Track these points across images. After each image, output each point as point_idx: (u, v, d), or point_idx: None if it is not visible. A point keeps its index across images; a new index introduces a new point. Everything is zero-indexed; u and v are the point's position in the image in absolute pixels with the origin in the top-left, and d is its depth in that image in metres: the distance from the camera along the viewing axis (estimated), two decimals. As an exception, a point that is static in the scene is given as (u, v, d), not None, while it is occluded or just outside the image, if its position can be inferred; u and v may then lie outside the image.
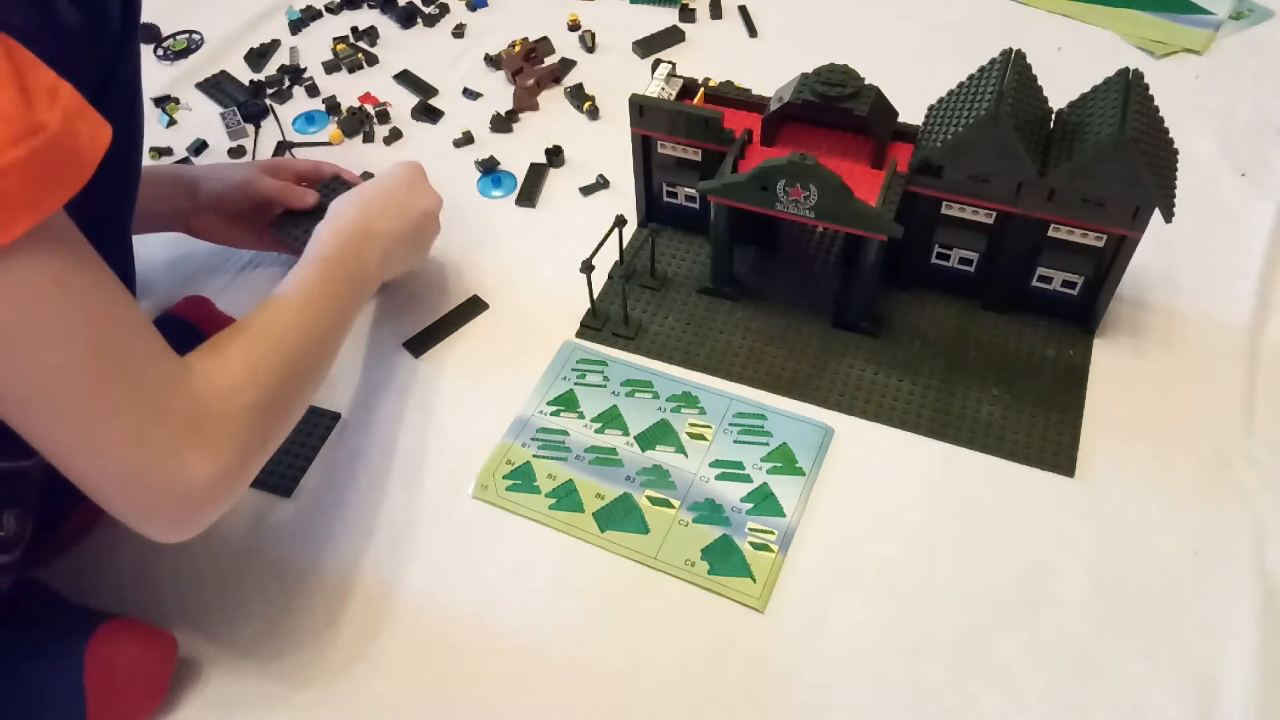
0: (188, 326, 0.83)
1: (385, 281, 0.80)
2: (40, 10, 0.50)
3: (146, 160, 1.00)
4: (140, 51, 0.63)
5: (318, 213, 0.86)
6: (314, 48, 1.20)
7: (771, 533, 0.73)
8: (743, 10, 1.22)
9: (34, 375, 0.49)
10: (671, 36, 1.18)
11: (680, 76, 0.88)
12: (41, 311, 0.48)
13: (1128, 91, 0.74)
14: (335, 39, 1.20)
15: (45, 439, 0.52)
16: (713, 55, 1.16)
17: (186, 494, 0.54)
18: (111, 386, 0.51)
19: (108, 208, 0.61)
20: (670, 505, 0.76)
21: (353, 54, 1.17)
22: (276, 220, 0.87)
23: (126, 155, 0.63)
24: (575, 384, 0.84)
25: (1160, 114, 0.76)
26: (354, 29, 1.21)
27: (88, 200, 0.49)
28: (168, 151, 1.06)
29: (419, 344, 0.87)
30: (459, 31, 1.21)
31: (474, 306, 0.90)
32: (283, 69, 1.16)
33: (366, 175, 1.01)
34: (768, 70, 0.95)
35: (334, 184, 0.90)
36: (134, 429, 0.52)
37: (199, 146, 1.07)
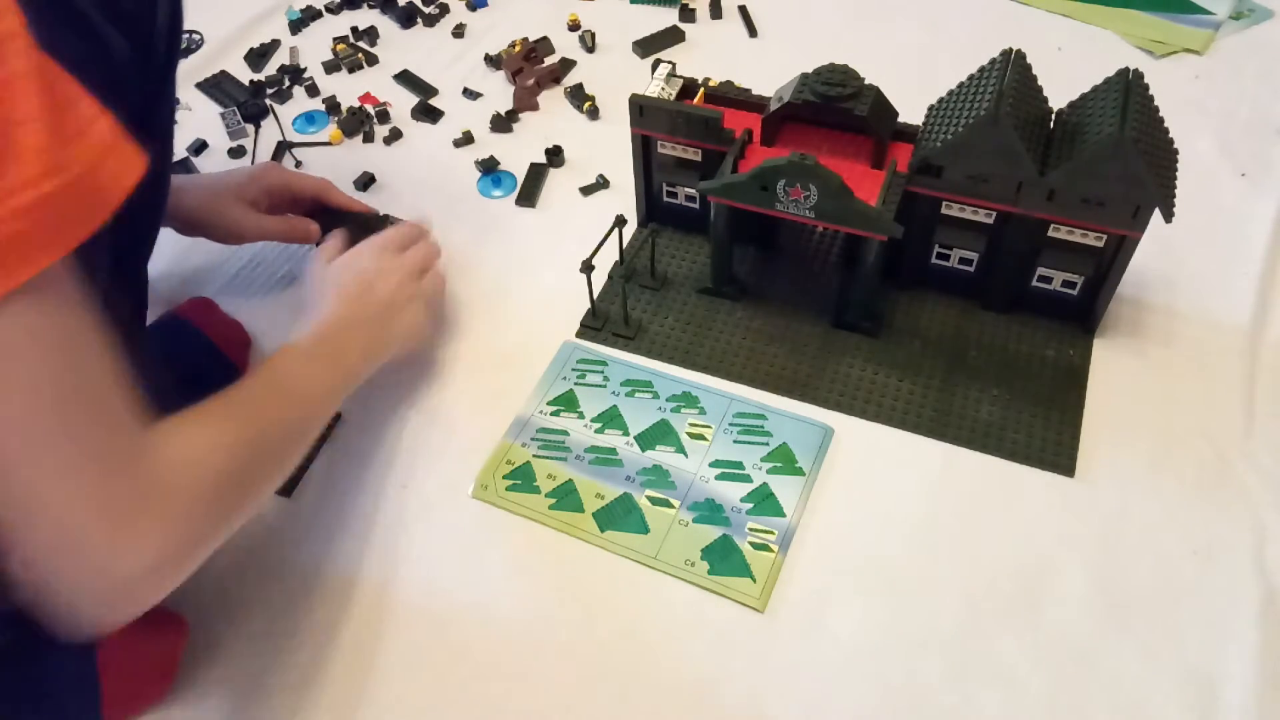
0: (191, 328, 0.83)
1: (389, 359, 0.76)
2: (91, 41, 0.49)
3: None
4: (176, 85, 0.61)
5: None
6: (314, 48, 1.20)
7: (771, 533, 0.73)
8: (743, 10, 1.22)
9: None
10: (671, 36, 1.18)
11: (680, 76, 0.88)
12: (14, 360, 0.46)
13: (1128, 91, 0.74)
14: (335, 39, 1.20)
15: None
16: (713, 55, 1.16)
17: (121, 573, 0.49)
18: (67, 444, 0.48)
19: (132, 240, 0.61)
20: (670, 505, 0.76)
21: (353, 54, 1.17)
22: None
23: (155, 188, 0.62)
24: (575, 384, 0.84)
25: (1160, 114, 0.76)
26: (354, 29, 1.22)
27: (114, 233, 0.48)
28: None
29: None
30: (459, 31, 1.21)
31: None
32: (283, 69, 1.16)
33: (367, 176, 1.01)
34: (768, 70, 0.95)
35: (344, 220, 0.89)
36: (80, 492, 0.48)
37: (199, 146, 1.07)
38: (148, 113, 0.56)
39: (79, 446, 0.48)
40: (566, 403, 0.82)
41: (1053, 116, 0.80)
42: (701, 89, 0.88)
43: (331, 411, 0.68)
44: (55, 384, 0.47)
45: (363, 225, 0.90)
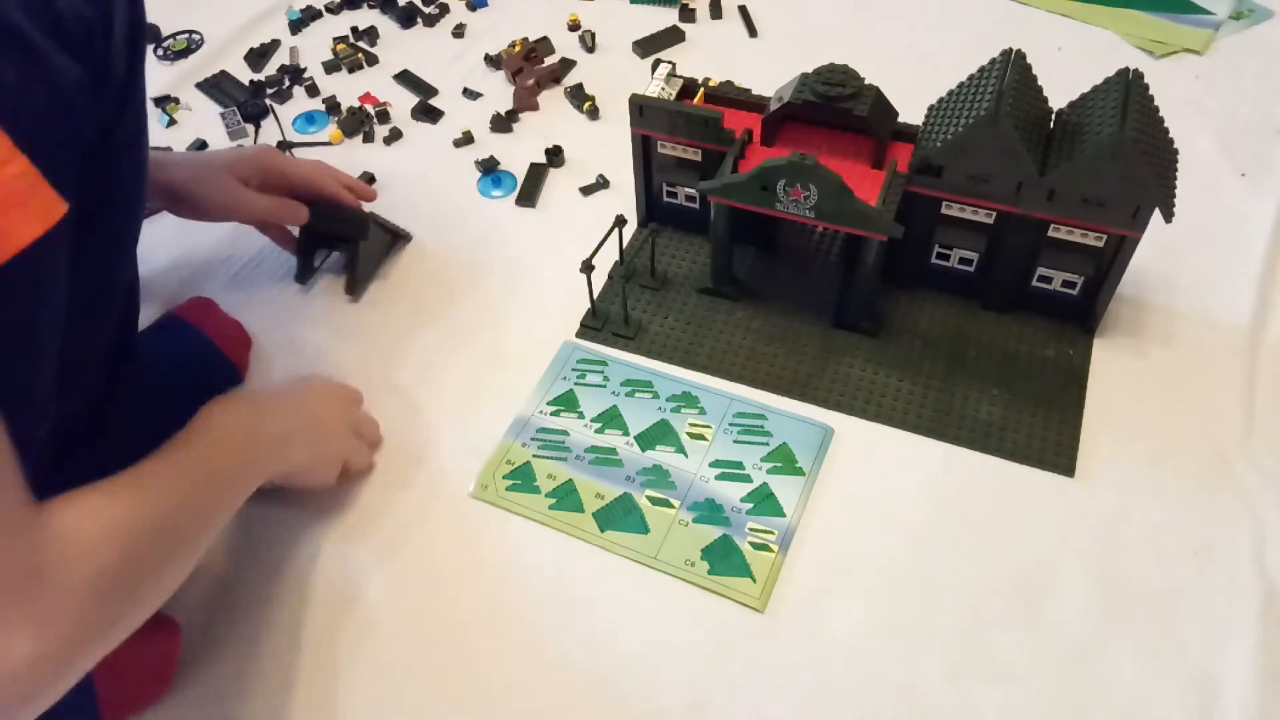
0: (190, 329, 0.83)
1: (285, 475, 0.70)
2: (29, 62, 0.45)
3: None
4: (145, 100, 0.59)
5: (334, 226, 0.89)
6: (314, 48, 1.20)
7: (771, 533, 0.73)
8: (743, 10, 1.22)
9: None
10: (671, 36, 1.18)
11: (680, 76, 0.88)
12: None
13: (1128, 91, 0.74)
14: (335, 39, 1.20)
15: None
16: (713, 55, 1.16)
17: None
18: None
19: (107, 254, 0.59)
20: (670, 505, 0.76)
21: (353, 54, 1.17)
22: (301, 244, 0.92)
23: (128, 203, 0.60)
24: (575, 384, 0.84)
25: (1160, 114, 0.76)
26: (354, 29, 1.21)
27: (83, 250, 0.47)
28: (167, 151, 1.06)
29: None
30: (459, 31, 1.21)
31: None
32: (283, 69, 1.16)
33: (367, 176, 1.01)
34: (768, 70, 0.95)
35: (327, 209, 0.89)
36: None
37: (199, 146, 1.07)
38: (105, 133, 0.53)
39: None
40: (566, 403, 0.82)
41: (1053, 116, 0.80)
42: (701, 89, 0.88)
43: (247, 491, 0.63)
44: None
45: (347, 220, 0.90)
